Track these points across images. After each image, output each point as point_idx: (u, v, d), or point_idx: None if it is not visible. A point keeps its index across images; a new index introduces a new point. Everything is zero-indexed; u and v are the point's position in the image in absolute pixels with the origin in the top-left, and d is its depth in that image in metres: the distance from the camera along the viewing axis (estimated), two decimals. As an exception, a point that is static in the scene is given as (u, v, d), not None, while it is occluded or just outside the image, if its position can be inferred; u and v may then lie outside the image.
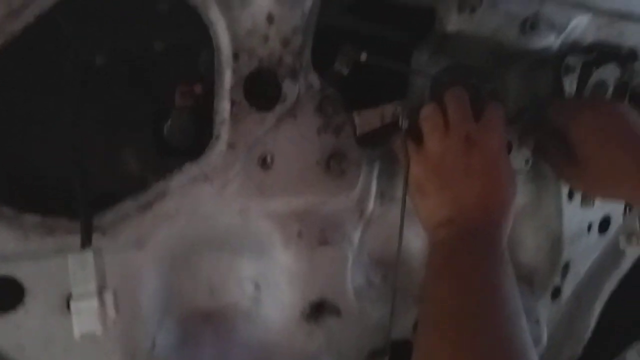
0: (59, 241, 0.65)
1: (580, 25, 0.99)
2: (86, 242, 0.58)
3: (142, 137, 0.74)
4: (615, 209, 1.30)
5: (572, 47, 1.03)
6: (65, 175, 0.66)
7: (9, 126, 0.63)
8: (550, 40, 0.96)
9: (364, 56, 0.80)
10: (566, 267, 1.26)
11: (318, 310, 0.91)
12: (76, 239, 0.65)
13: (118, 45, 0.66)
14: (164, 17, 0.67)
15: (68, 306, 0.69)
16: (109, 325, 0.54)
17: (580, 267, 1.30)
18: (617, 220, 1.33)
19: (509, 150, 0.98)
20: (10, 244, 0.63)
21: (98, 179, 0.69)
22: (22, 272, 0.65)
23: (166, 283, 0.80)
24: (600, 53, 1.07)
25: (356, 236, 0.92)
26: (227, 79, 0.70)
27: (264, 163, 0.79)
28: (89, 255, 0.56)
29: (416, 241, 1.02)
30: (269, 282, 0.87)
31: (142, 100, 0.73)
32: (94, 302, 0.54)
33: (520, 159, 1.02)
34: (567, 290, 1.29)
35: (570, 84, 1.07)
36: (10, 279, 0.65)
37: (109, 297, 0.55)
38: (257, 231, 0.83)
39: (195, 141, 0.76)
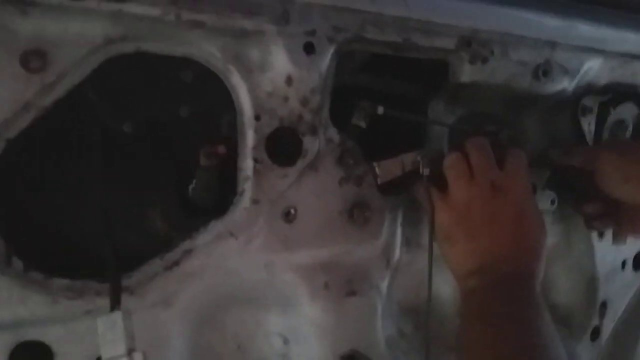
0: (88, 303, 0.67)
1: (594, 68, 1.00)
2: (115, 304, 0.59)
3: (168, 198, 0.76)
4: (649, 245, 1.27)
5: (588, 89, 1.04)
6: (93, 239, 0.68)
7: (38, 193, 0.66)
8: (564, 84, 0.97)
9: (380, 110, 0.82)
10: (604, 306, 1.22)
11: (349, 363, 0.89)
12: (105, 301, 0.67)
13: (145, 113, 0.70)
14: (188, 85, 0.71)
15: (98, 368, 0.70)
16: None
17: (618, 306, 1.26)
18: (651, 256, 1.29)
19: (534, 193, 0.98)
20: (39, 308, 0.64)
21: (126, 240, 0.71)
22: (51, 336, 0.66)
23: (194, 341, 0.80)
24: (616, 93, 1.08)
25: (384, 285, 0.92)
26: (249, 138, 0.72)
27: (288, 216, 0.80)
28: (117, 317, 0.57)
29: (445, 288, 1.01)
30: (298, 337, 0.87)
31: (167, 163, 0.75)
32: None
33: (545, 200, 1.02)
34: (607, 330, 1.24)
35: (588, 125, 1.07)
36: (39, 343, 0.66)
37: (138, 358, 0.56)
38: (283, 285, 0.83)
39: (219, 200, 0.78)
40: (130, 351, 0.55)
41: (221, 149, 0.76)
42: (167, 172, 0.75)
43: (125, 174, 0.71)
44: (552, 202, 1.03)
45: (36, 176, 0.65)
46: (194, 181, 0.78)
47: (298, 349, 0.88)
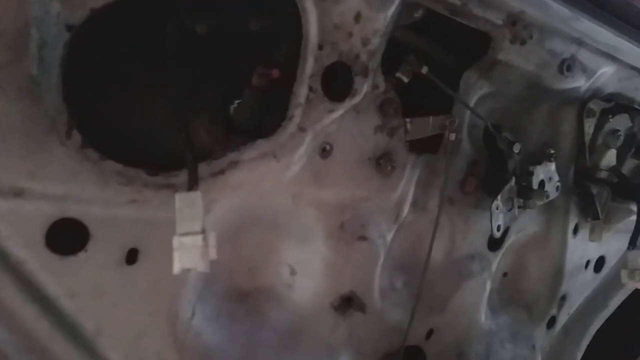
0: (134, 193, 0.67)
1: (606, 74, 1.09)
2: (193, 184, 0.60)
3: (214, 110, 0.76)
4: (610, 250, 1.39)
5: (595, 93, 1.13)
6: (151, 131, 0.68)
7: (108, 73, 0.65)
8: (580, 83, 1.05)
9: (425, 69, 0.86)
10: (563, 299, 1.33)
11: (347, 303, 0.93)
12: (151, 193, 0.68)
13: (219, 18, 0.70)
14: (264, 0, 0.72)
15: (126, 260, 0.71)
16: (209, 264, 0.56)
17: (575, 301, 1.37)
18: (610, 262, 1.42)
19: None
20: (88, 187, 0.64)
21: (173, 142, 0.72)
22: (92, 217, 0.66)
23: (212, 255, 0.82)
24: (617, 103, 1.18)
25: (389, 237, 0.96)
26: (309, 66, 0.74)
27: (324, 152, 0.83)
28: (196, 196, 0.58)
29: (439, 254, 1.07)
30: (306, 270, 0.90)
31: (222, 75, 0.76)
32: (199, 240, 0.55)
33: (551, 188, 1.09)
34: (561, 321, 1.36)
35: (589, 127, 1.16)
36: (78, 222, 0.66)
37: (211, 237, 0.57)
38: (303, 217, 0.86)
39: (257, 123, 0.79)
40: (204, 230, 0.57)
41: (275, 73, 0.77)
42: (219, 84, 0.76)
43: (185, 76, 0.71)
44: (547, 197, 1.10)
45: (109, 56, 0.64)
46: (238, 101, 0.78)
47: (303, 282, 0.91)
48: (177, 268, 0.56)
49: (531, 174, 1.07)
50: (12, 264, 0.64)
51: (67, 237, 0.66)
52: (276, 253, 0.88)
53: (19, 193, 0.61)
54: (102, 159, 0.64)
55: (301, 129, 0.77)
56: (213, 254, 0.57)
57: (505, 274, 1.26)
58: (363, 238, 0.91)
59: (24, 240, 0.63)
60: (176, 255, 0.56)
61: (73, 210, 0.65)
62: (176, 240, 0.57)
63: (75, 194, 0.63)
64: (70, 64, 0.60)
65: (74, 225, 0.66)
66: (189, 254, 0.55)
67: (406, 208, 0.97)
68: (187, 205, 0.57)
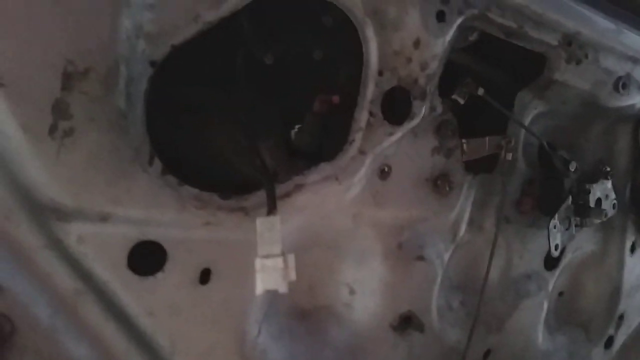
0: (209, 215, 0.70)
1: (661, 90, 1.07)
2: (272, 209, 0.63)
3: (278, 136, 0.80)
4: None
5: (650, 110, 1.11)
6: (223, 157, 0.72)
7: (185, 108, 0.69)
8: (636, 100, 1.04)
9: (481, 91, 0.88)
10: (620, 318, 1.30)
11: (405, 323, 0.94)
12: (224, 216, 0.71)
13: (286, 49, 0.74)
14: (327, 30, 0.75)
15: (201, 279, 0.74)
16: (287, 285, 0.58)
17: (633, 320, 1.34)
18: (670, 280, 1.37)
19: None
20: (167, 211, 0.68)
21: (241, 167, 0.75)
22: (170, 240, 0.70)
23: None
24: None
25: (446, 257, 0.97)
26: (369, 92, 0.77)
27: (382, 173, 0.85)
28: (275, 220, 0.61)
29: (495, 273, 1.06)
30: (364, 290, 0.91)
31: (287, 102, 0.79)
32: (279, 263, 0.58)
33: (608, 206, 1.08)
34: (619, 341, 1.32)
35: (645, 142, 1.14)
36: (157, 244, 0.69)
37: (291, 260, 0.59)
38: (363, 238, 0.88)
39: (320, 147, 0.82)
40: (283, 253, 0.59)
41: (335, 99, 0.80)
42: (283, 111, 0.79)
43: (253, 103, 0.75)
44: (606, 215, 1.08)
45: (185, 88, 0.68)
46: (299, 126, 0.82)
47: (362, 301, 0.92)
48: (259, 289, 0.58)
49: (588, 192, 1.06)
50: (96, 284, 0.68)
51: (146, 258, 0.69)
52: (335, 273, 0.90)
53: (104, 218, 0.65)
54: (180, 184, 0.68)
55: (362, 152, 0.80)
56: (292, 275, 0.59)
57: (561, 293, 1.24)
58: (421, 258, 0.92)
59: (108, 262, 0.67)
60: (259, 277, 0.59)
61: (153, 233, 0.69)
62: (258, 262, 0.59)
63: (155, 217, 0.67)
64: (152, 98, 0.64)
65: (153, 248, 0.69)
66: (270, 275, 0.58)
67: (463, 228, 0.97)
68: (267, 229, 0.60)
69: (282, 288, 0.57)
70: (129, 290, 0.69)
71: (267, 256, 0.59)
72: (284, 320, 0.87)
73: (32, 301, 0.65)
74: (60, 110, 0.57)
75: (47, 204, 0.61)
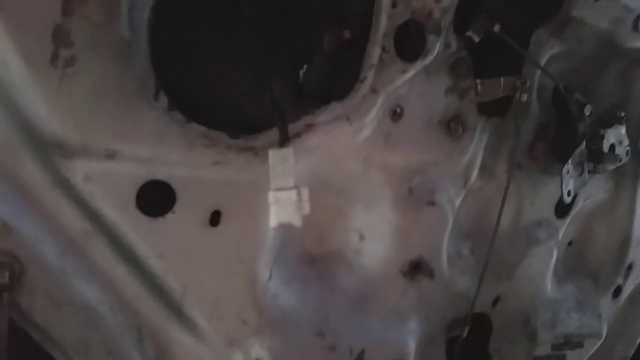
0: (218, 154, 0.68)
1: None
2: (284, 141, 0.61)
3: (288, 75, 0.77)
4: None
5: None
6: (232, 95, 0.69)
7: (191, 43, 0.66)
8: (654, 42, 1.00)
9: (497, 27, 0.84)
10: (629, 268, 1.29)
11: (415, 269, 0.93)
12: (233, 155, 0.69)
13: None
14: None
15: (211, 221, 0.73)
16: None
17: (642, 271, 1.33)
18: (680, 230, 1.36)
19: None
20: (175, 149, 0.66)
21: (250, 107, 0.73)
22: (178, 179, 0.68)
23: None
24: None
25: (457, 203, 0.95)
26: (382, 25, 0.74)
27: (394, 114, 0.82)
28: (288, 153, 0.59)
29: (505, 220, 1.05)
30: (374, 235, 0.90)
31: (296, 38, 0.76)
32: (293, 195, 0.56)
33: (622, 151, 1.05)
34: (627, 291, 1.32)
35: (662, 88, 1.11)
36: (166, 184, 0.68)
37: (305, 193, 0.58)
38: (373, 182, 0.86)
39: (330, 86, 0.79)
40: (297, 185, 0.57)
41: (347, 33, 0.77)
42: (293, 48, 0.76)
43: (261, 40, 0.71)
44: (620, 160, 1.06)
45: (191, 21, 0.65)
46: (307, 65, 0.78)
47: (371, 247, 0.91)
48: (273, 222, 0.57)
49: (602, 137, 1.03)
50: (106, 225, 0.67)
51: (155, 198, 0.68)
52: (345, 218, 0.89)
53: (111, 155, 0.63)
54: (188, 121, 0.65)
55: (373, 91, 0.77)
56: (307, 208, 0.58)
57: (570, 243, 1.22)
58: (432, 203, 0.91)
59: (116, 202, 0.65)
60: (272, 210, 0.57)
61: (161, 173, 0.67)
62: (272, 195, 0.58)
63: (163, 156, 0.65)
64: (156, 28, 0.61)
65: (162, 187, 0.68)
66: (284, 208, 0.56)
67: (475, 173, 0.95)
68: (280, 162, 0.58)
69: (297, 221, 0.55)
70: (138, 232, 0.68)
71: (280, 189, 0.57)
72: (294, 265, 0.86)
73: (41, 241, 0.64)
74: (61, 37, 0.54)
75: (51, 138, 0.59)
